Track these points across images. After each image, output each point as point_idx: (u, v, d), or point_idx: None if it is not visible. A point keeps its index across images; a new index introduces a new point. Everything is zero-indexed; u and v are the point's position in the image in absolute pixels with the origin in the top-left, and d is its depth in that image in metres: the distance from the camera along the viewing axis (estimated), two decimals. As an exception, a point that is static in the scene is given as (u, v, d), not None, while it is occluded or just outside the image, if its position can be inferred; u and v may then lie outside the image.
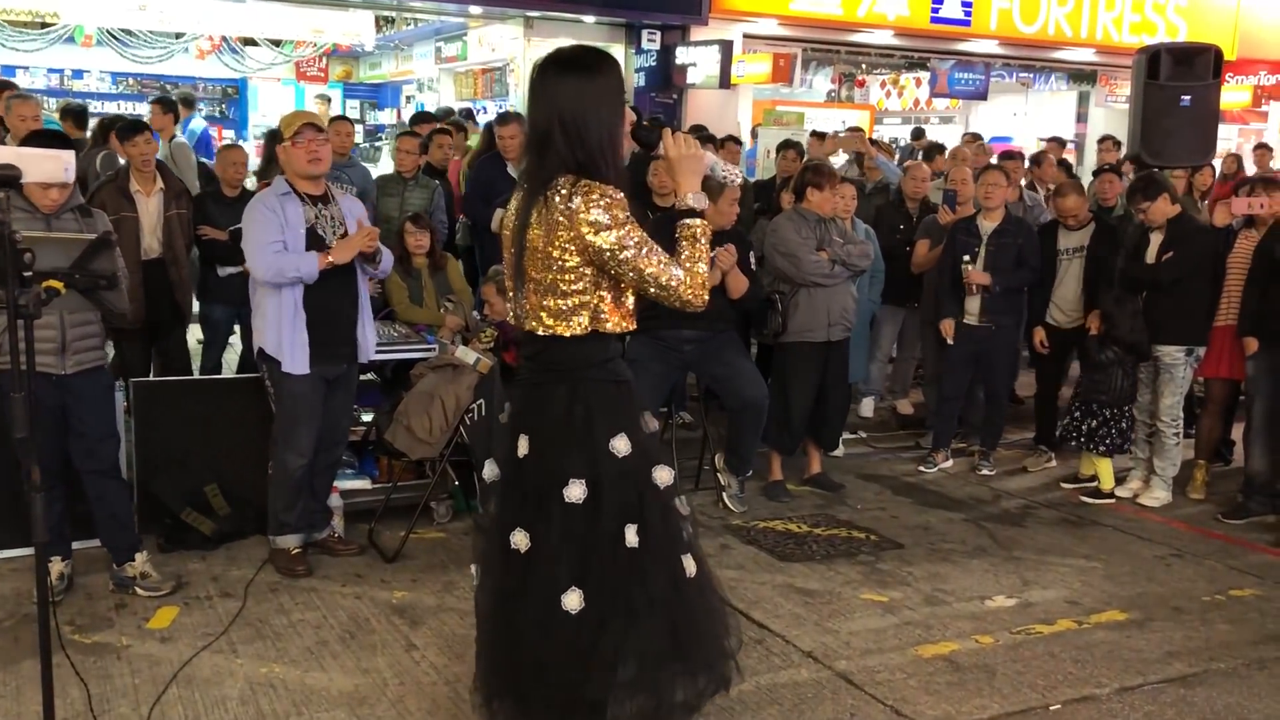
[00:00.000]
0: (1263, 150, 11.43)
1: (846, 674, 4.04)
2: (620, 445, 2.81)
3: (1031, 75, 14.72)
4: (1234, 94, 14.55)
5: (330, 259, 4.66)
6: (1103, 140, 10.39)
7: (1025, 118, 16.59)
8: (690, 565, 2.90)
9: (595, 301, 2.79)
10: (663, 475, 2.90)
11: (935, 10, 12.61)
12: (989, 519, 5.92)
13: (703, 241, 2.79)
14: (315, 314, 4.72)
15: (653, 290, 2.77)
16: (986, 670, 4.11)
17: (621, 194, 2.74)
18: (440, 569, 4.98)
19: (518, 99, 11.79)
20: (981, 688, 3.97)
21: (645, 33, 11.81)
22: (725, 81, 11.02)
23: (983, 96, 13.97)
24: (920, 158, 9.17)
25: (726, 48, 10.95)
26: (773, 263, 6.05)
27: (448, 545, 5.30)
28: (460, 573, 4.92)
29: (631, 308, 2.88)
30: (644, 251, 2.72)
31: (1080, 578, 5.09)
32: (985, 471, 6.74)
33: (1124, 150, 8.47)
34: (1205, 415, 6.56)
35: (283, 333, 4.69)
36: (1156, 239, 6.08)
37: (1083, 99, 15.95)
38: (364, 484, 5.59)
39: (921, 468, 6.77)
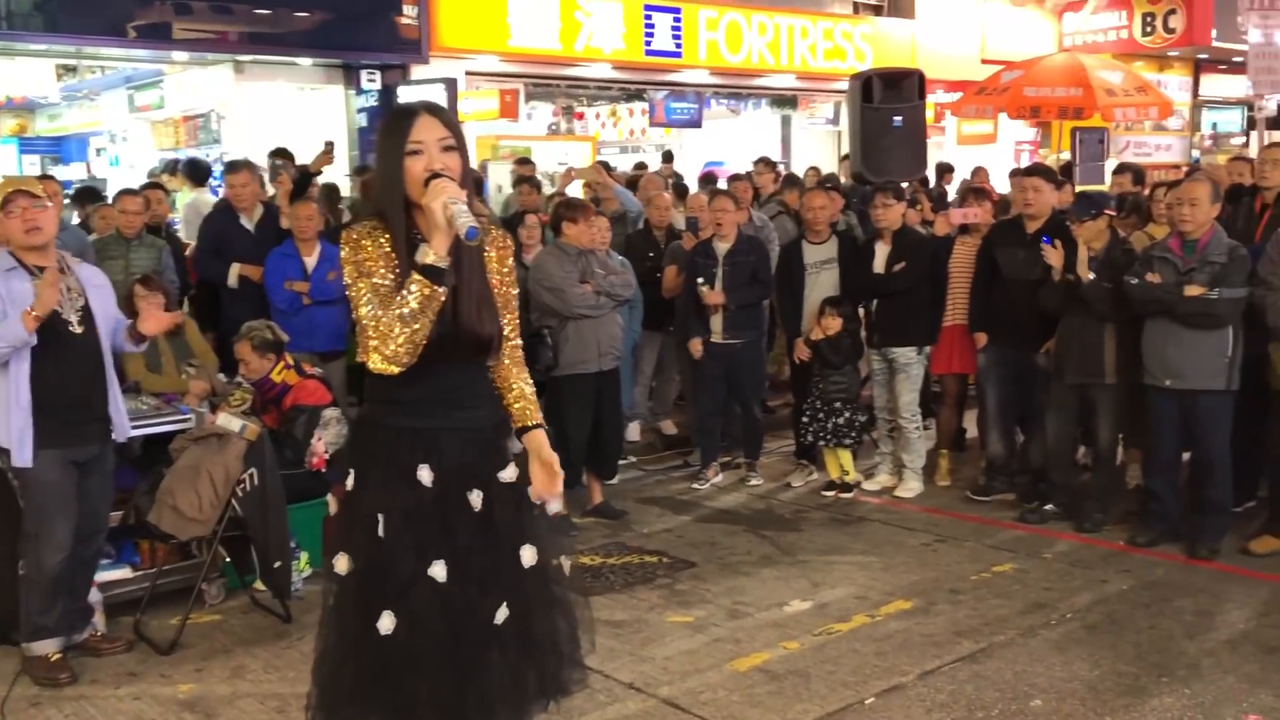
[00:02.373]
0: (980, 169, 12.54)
1: (672, 700, 4.07)
2: (349, 480, 2.82)
3: (739, 102, 15.49)
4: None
5: (35, 313, 4.22)
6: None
7: (735, 143, 17.41)
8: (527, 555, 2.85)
9: (362, 336, 2.72)
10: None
11: (648, 43, 13.04)
12: (768, 527, 6.15)
13: (407, 297, 2.61)
14: (53, 393, 4.31)
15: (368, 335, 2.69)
16: (801, 675, 4.25)
17: (380, 237, 2.69)
18: (224, 654, 4.64)
19: (232, 147, 11.20)
20: (800, 692, 4.11)
21: (364, 73, 11.54)
22: (453, 119, 10.93)
23: (697, 124, 14.54)
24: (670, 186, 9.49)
25: (451, 85, 10.87)
26: (538, 298, 6.06)
27: (227, 628, 4.95)
28: (248, 655, 4.60)
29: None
30: (364, 294, 2.66)
31: (862, 573, 5.37)
32: (754, 482, 7.01)
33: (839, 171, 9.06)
34: (943, 408, 7.10)
35: (11, 418, 4.25)
36: (883, 250, 6.53)
37: (785, 122, 16.92)
38: (124, 573, 5.12)
39: (694, 485, 6.95)
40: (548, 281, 5.99)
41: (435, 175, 2.67)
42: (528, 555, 2.85)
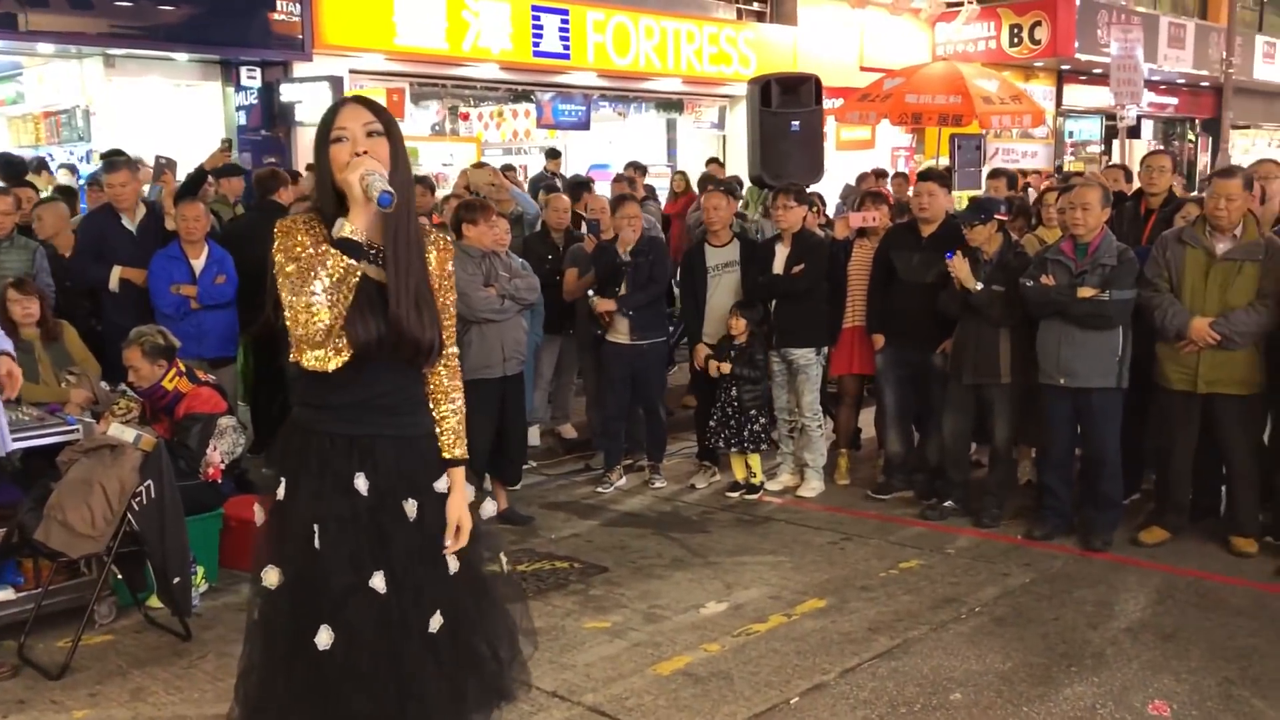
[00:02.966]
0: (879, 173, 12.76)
1: (597, 707, 4.03)
2: (280, 489, 2.74)
3: (626, 105, 15.52)
4: (800, 117, 16.19)
5: None
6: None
7: (621, 145, 17.43)
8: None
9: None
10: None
11: (536, 44, 12.97)
12: (676, 529, 6.15)
13: (320, 270, 2.60)
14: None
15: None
16: (724, 677, 4.26)
17: (310, 228, 2.64)
18: (121, 676, 4.41)
19: (102, 145, 10.71)
20: (725, 694, 4.11)
21: (244, 70, 11.17)
22: (339, 119, 10.68)
23: (585, 127, 14.51)
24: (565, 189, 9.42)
25: (337, 83, 10.61)
26: (443, 302, 5.93)
27: (121, 648, 4.71)
28: (147, 676, 4.39)
29: (340, 344, 2.64)
30: (278, 278, 2.63)
31: (774, 573, 5.42)
32: (658, 484, 7.01)
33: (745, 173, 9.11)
34: (841, 408, 7.21)
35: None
36: (782, 251, 6.61)
37: (671, 125, 17.02)
38: (7, 594, 4.82)
39: (599, 488, 6.92)
40: (452, 284, 5.88)
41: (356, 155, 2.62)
42: (454, 563, 2.81)
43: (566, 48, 13.26)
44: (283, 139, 11.44)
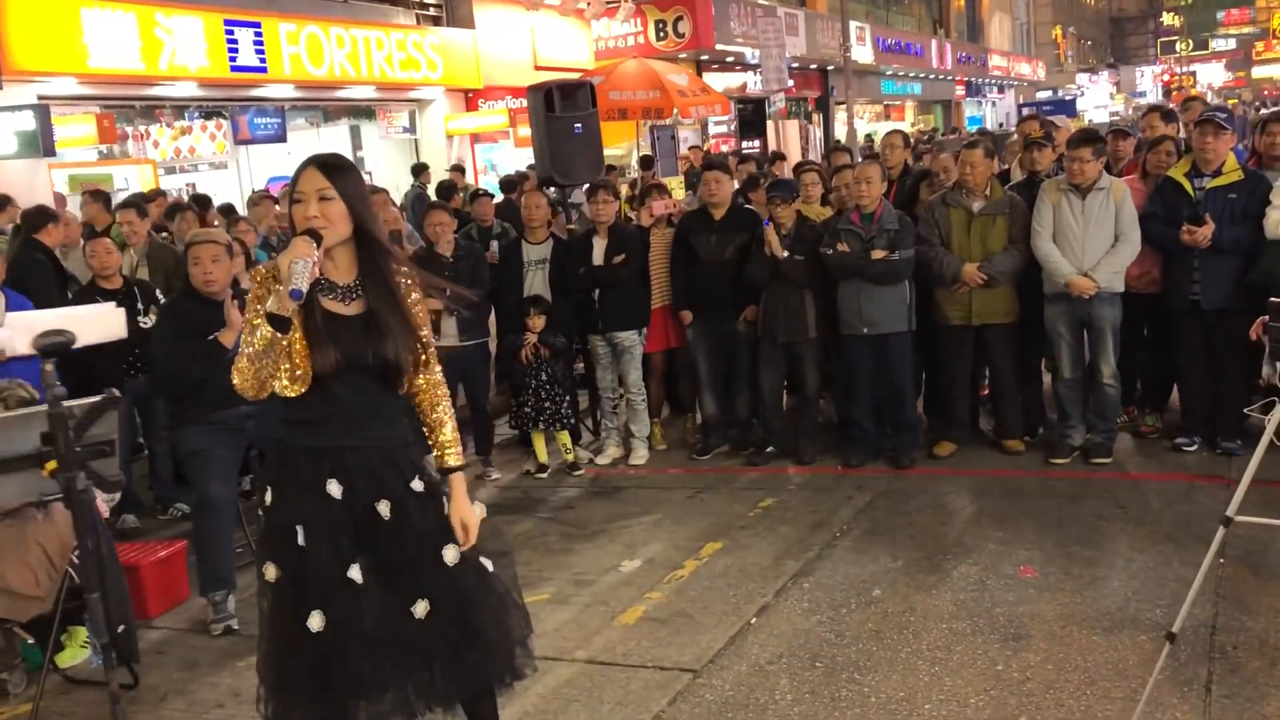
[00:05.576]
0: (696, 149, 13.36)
1: (594, 658, 4.50)
2: (267, 496, 3.16)
3: (320, 115, 15.34)
4: (490, 118, 16.70)
5: None
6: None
7: (299, 156, 17.14)
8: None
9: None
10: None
11: (233, 59, 12.62)
12: (543, 511, 6.61)
13: (250, 337, 2.96)
14: None
15: None
16: (683, 615, 4.84)
17: (265, 269, 3.02)
18: (87, 734, 4.32)
19: None
20: (694, 627, 4.70)
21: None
22: (50, 148, 9.98)
23: (282, 139, 14.26)
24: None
25: (43, 112, 9.90)
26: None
27: (51, 713, 4.54)
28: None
29: (296, 375, 3.02)
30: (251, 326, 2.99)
31: (659, 529, 6.03)
32: (495, 476, 7.40)
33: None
34: (654, 381, 7.90)
35: None
36: (600, 244, 7.21)
37: (354, 133, 16.96)
38: (-76, 676, 4.52)
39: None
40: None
41: (308, 231, 3.01)
42: (450, 554, 3.20)
43: (263, 60, 13.00)
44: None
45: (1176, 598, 4.43)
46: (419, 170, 13.94)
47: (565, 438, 7.37)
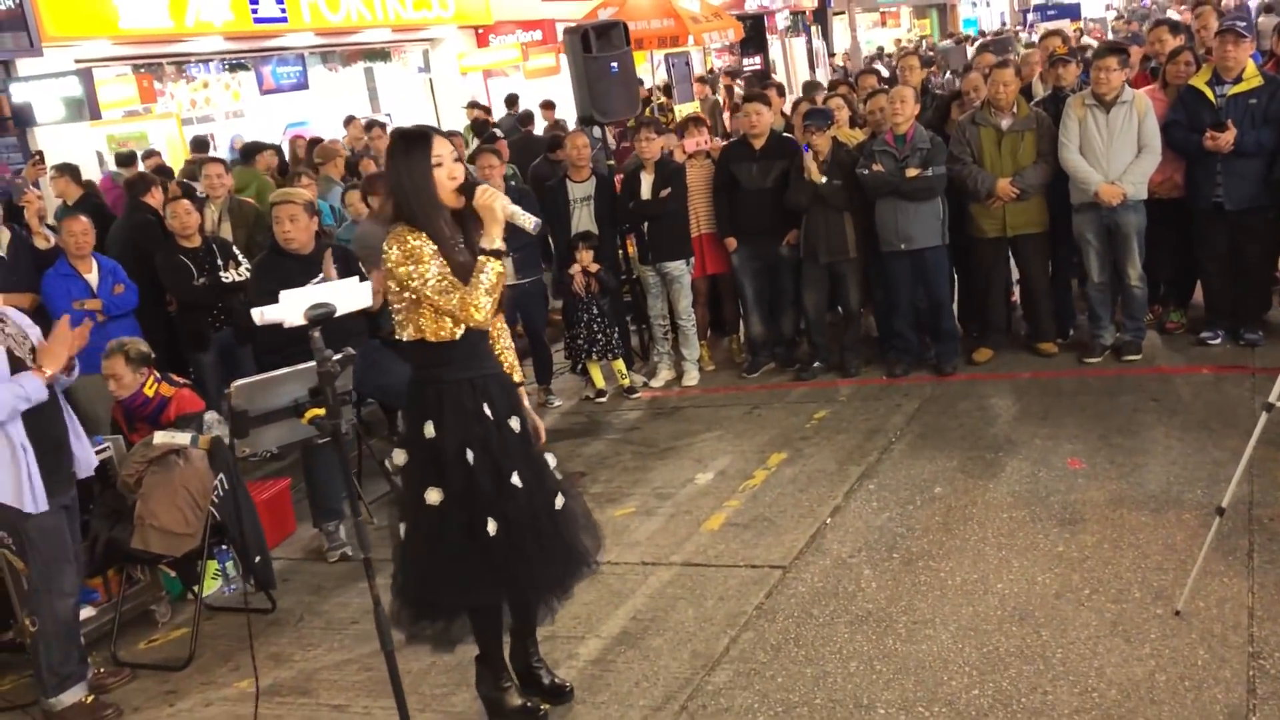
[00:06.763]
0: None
1: (689, 560, 4.98)
2: (428, 430, 3.59)
3: (338, 60, 15.54)
4: (505, 52, 16.86)
5: (48, 371, 4.24)
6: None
7: (323, 99, 17.32)
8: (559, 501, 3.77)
9: (416, 318, 3.52)
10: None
11: (255, 10, 12.82)
12: (611, 433, 7.06)
13: (487, 274, 3.48)
14: (39, 440, 4.27)
15: (444, 310, 3.48)
16: (763, 519, 5.31)
17: (421, 236, 3.45)
18: (243, 653, 4.76)
19: None
20: (776, 529, 5.17)
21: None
22: (96, 111, 10.30)
23: (305, 87, 14.50)
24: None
25: (87, 76, 10.19)
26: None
27: (211, 634, 5.04)
28: (265, 643, 4.82)
29: (451, 324, 3.52)
30: (429, 282, 3.43)
31: (725, 444, 6.48)
32: (557, 404, 7.85)
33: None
34: (698, 306, 8.30)
35: (19, 471, 4.18)
36: (647, 179, 7.56)
37: (369, 75, 17.14)
38: (89, 611, 5.02)
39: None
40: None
41: (476, 182, 3.54)
42: (552, 460, 3.85)
43: (283, 10, 13.20)
44: (15, 142, 10.82)
45: (1214, 479, 4.90)
46: (512, 101, 14.14)
47: (620, 364, 7.80)
